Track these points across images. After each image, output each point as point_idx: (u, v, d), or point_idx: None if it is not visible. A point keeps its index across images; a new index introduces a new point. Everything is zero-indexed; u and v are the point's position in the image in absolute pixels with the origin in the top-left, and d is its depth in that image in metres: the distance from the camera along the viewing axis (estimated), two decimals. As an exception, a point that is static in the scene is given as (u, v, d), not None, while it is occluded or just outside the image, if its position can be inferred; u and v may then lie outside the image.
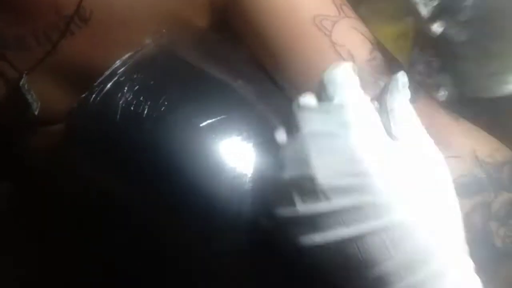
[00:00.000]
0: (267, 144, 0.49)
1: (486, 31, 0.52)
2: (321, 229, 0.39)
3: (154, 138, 0.48)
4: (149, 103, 0.48)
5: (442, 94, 0.66)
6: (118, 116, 0.48)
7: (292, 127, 0.42)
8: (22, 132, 0.57)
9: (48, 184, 0.58)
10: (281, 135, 0.43)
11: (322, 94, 0.42)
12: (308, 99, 0.42)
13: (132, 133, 0.48)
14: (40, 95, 0.54)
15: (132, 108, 0.48)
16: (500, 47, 0.53)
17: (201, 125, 0.48)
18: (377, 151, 0.39)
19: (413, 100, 0.45)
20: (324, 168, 0.39)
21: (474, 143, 0.47)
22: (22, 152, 0.58)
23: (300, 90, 0.46)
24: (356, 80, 0.42)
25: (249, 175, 0.48)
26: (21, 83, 0.53)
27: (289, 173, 0.40)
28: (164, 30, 0.54)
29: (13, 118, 0.56)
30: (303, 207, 0.39)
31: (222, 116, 0.49)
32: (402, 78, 0.41)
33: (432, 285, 0.38)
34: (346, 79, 0.41)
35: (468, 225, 0.40)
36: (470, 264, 0.39)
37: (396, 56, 0.56)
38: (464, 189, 0.43)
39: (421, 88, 0.52)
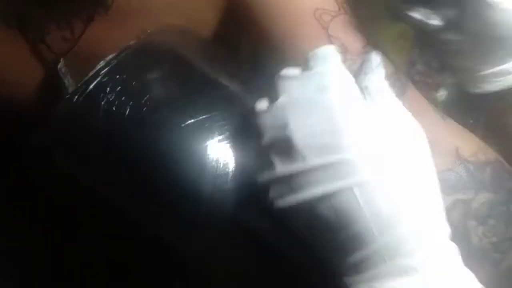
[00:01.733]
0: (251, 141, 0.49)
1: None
2: (296, 189, 0.40)
3: (136, 139, 0.48)
4: (131, 103, 0.48)
5: (441, 94, 0.65)
6: (100, 117, 0.48)
7: (273, 96, 0.44)
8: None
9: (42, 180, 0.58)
10: (261, 104, 0.44)
11: (304, 66, 0.44)
12: (290, 70, 0.44)
13: (114, 134, 0.49)
14: None
15: (114, 109, 0.48)
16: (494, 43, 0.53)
17: (183, 124, 0.48)
18: (352, 113, 0.40)
19: (400, 95, 0.45)
20: (301, 129, 0.40)
21: (457, 142, 0.47)
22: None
23: None
24: (338, 56, 0.44)
25: (231, 174, 0.48)
26: (59, 66, 0.54)
27: (268, 137, 0.42)
28: (149, 30, 0.54)
29: (49, 102, 0.56)
30: (280, 168, 0.41)
31: (205, 116, 0.49)
32: (375, 58, 0.43)
33: (401, 249, 0.38)
34: (328, 53, 0.44)
35: (447, 221, 0.40)
36: (444, 230, 0.39)
37: (396, 56, 0.56)
38: (444, 185, 0.42)
39: (410, 84, 0.52)
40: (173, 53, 0.53)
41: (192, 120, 0.48)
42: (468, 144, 0.48)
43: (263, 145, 0.43)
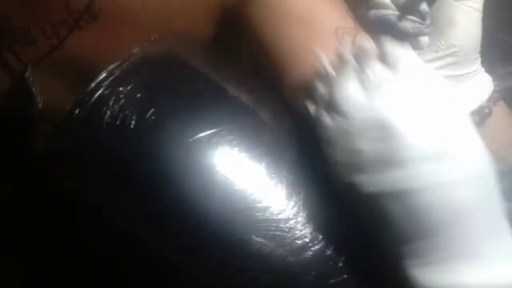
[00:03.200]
0: (261, 156, 0.48)
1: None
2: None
3: (141, 153, 0.46)
4: (135, 117, 0.46)
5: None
6: (103, 131, 0.46)
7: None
8: (25, 127, 0.57)
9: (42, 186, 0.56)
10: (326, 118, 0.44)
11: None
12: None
13: (117, 149, 0.47)
14: (44, 89, 0.54)
15: (117, 123, 0.46)
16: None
17: (190, 139, 0.46)
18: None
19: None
20: (368, 145, 0.41)
21: None
22: (22, 149, 0.58)
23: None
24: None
25: (241, 192, 0.46)
26: (26, 74, 0.53)
27: (337, 151, 0.43)
28: (152, 37, 0.52)
29: (18, 110, 0.56)
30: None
31: (213, 130, 0.47)
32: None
33: (467, 242, 0.40)
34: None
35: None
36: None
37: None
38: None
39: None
40: (179, 62, 0.51)
41: (200, 135, 0.47)
42: None
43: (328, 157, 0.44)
